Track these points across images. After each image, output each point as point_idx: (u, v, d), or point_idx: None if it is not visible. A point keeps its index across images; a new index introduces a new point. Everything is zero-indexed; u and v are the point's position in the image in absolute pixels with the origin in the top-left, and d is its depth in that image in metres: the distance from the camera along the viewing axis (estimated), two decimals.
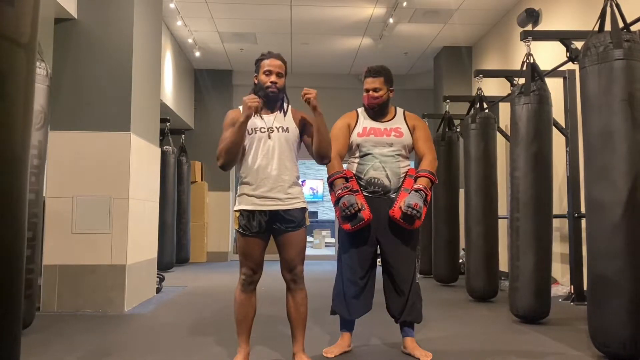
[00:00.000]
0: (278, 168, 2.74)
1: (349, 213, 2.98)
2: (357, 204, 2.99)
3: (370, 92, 3.16)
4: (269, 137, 2.77)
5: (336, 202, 3.05)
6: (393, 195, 3.11)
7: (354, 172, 3.17)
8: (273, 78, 2.77)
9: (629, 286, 2.88)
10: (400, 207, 3.00)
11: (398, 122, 3.21)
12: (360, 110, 3.30)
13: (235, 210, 2.80)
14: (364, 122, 3.22)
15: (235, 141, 2.69)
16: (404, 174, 3.15)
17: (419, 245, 3.21)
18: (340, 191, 3.04)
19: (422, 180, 3.08)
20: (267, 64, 2.78)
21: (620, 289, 2.89)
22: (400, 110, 3.29)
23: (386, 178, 3.10)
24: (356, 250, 3.12)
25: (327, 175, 3.18)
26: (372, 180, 3.11)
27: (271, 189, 2.74)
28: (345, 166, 3.21)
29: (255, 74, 2.84)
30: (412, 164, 3.27)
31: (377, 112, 3.21)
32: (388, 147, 3.14)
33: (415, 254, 3.17)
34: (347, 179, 3.10)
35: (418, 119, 3.29)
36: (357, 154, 3.19)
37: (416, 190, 3.02)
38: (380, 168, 3.11)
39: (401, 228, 3.07)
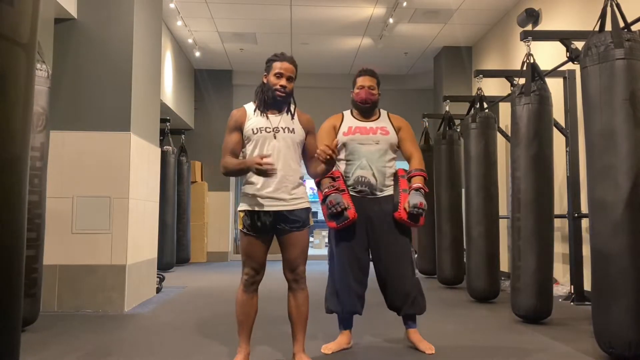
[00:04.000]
0: (283, 168, 2.74)
1: (334, 211, 3.04)
2: (342, 202, 3.04)
3: (366, 89, 3.23)
4: (275, 137, 2.76)
5: (323, 201, 3.11)
6: (379, 194, 3.17)
7: (342, 172, 3.22)
8: (283, 82, 2.77)
9: (633, 286, 2.87)
10: (405, 208, 3.08)
11: (383, 122, 3.29)
12: (347, 112, 3.35)
13: (240, 211, 2.80)
14: (350, 122, 3.28)
15: (237, 173, 2.81)
16: (390, 174, 3.22)
17: (412, 240, 3.27)
18: (327, 190, 3.10)
19: (418, 179, 3.17)
20: (279, 66, 2.78)
21: (624, 289, 2.88)
22: (384, 112, 3.36)
23: (372, 177, 3.16)
24: (348, 249, 3.16)
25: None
26: (359, 179, 3.17)
27: (276, 189, 2.74)
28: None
29: (265, 74, 2.83)
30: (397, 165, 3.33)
31: (367, 110, 3.27)
32: (375, 144, 3.20)
33: (409, 249, 3.21)
34: (334, 179, 3.15)
35: (402, 120, 3.36)
36: (344, 154, 3.23)
37: (416, 190, 3.11)
38: (367, 167, 3.17)
39: (392, 226, 3.14)
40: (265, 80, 2.82)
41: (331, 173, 3.12)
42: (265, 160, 2.60)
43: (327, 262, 3.31)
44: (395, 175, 3.23)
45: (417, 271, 3.29)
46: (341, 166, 3.24)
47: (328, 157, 2.63)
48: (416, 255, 3.09)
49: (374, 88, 3.25)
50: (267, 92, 2.80)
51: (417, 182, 3.14)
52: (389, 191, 3.20)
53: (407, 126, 3.34)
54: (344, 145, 3.22)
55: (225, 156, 2.80)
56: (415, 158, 3.26)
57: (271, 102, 2.80)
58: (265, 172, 2.60)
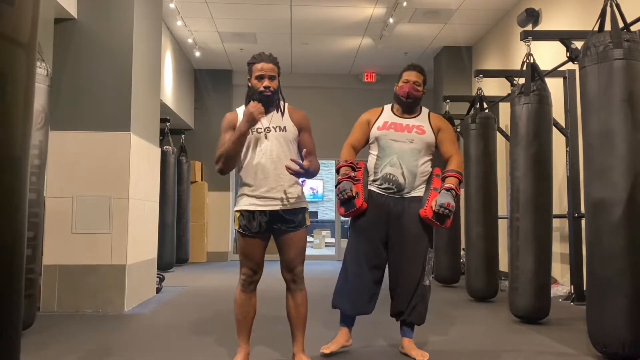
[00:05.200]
0: (277, 168, 2.74)
1: (341, 198, 3.04)
2: (350, 190, 3.01)
3: (411, 83, 3.15)
4: (266, 137, 2.76)
5: (336, 187, 3.11)
6: (407, 195, 3.09)
7: (372, 167, 3.16)
8: (266, 83, 2.76)
9: (628, 286, 2.88)
10: (432, 207, 3.00)
11: (421, 121, 3.19)
12: (387, 106, 3.29)
13: (236, 211, 2.81)
14: (387, 116, 3.21)
15: (236, 150, 2.73)
16: (423, 174, 3.12)
17: (432, 247, 3.18)
18: (340, 177, 3.09)
19: (452, 180, 3.08)
20: (258, 68, 2.77)
21: (619, 289, 2.89)
22: (425, 110, 3.27)
23: (401, 176, 3.07)
24: (364, 246, 3.12)
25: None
26: (387, 177, 3.09)
27: (270, 189, 2.74)
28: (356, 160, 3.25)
29: (249, 77, 2.83)
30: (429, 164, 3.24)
31: (408, 106, 3.18)
32: (408, 143, 3.11)
33: (424, 255, 3.10)
34: (354, 168, 3.12)
35: (443, 120, 3.26)
36: (376, 148, 3.17)
37: (447, 190, 3.02)
38: (397, 164, 3.08)
39: (410, 229, 3.07)
40: (249, 84, 2.82)
41: (350, 162, 3.13)
42: (257, 110, 2.65)
43: (344, 256, 3.26)
44: (430, 174, 3.15)
45: (431, 277, 3.20)
46: (371, 160, 3.18)
47: (291, 172, 2.66)
48: (432, 265, 3.02)
49: (419, 84, 3.16)
50: (253, 96, 2.79)
51: (450, 183, 3.05)
52: (417, 192, 3.10)
53: (448, 127, 3.24)
54: (376, 139, 3.16)
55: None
56: (454, 160, 3.15)
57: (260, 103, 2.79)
58: (255, 117, 2.66)
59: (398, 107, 3.23)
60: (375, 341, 3.46)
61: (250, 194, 2.76)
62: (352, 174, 3.09)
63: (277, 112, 2.83)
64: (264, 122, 2.79)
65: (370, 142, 3.22)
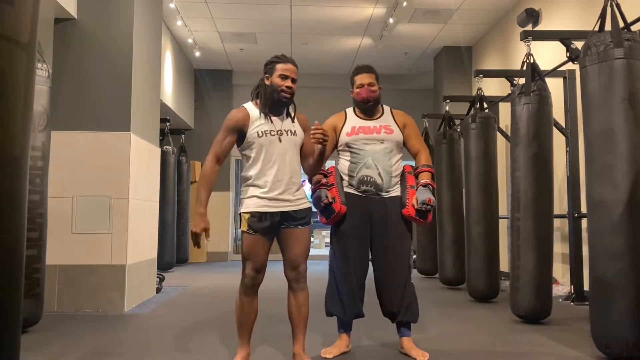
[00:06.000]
0: (290, 171, 2.75)
1: (320, 206, 3.03)
2: (326, 197, 3.00)
3: (366, 87, 3.15)
4: (280, 140, 2.77)
5: (311, 197, 3.08)
6: (385, 195, 3.10)
7: (346, 171, 3.16)
8: (289, 83, 2.76)
9: (631, 286, 2.87)
10: (414, 205, 3.03)
11: (387, 120, 3.21)
12: (349, 110, 3.28)
13: (245, 213, 2.76)
14: (353, 121, 3.21)
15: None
16: (396, 173, 3.15)
17: (412, 245, 3.21)
18: (313, 186, 3.09)
19: (426, 175, 3.12)
20: (283, 67, 2.77)
21: (622, 290, 2.88)
22: (387, 108, 3.28)
23: (378, 176, 3.09)
24: (351, 251, 3.11)
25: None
26: (364, 179, 3.10)
27: (283, 191, 2.75)
28: (331, 163, 3.25)
29: (267, 75, 2.80)
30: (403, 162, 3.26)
31: (370, 108, 3.19)
32: (380, 144, 3.13)
33: (408, 254, 3.14)
34: (325, 175, 3.12)
35: (406, 116, 3.29)
36: (348, 154, 3.17)
37: (424, 186, 3.06)
38: (372, 166, 3.10)
39: (394, 229, 3.09)
40: (267, 82, 2.79)
41: (324, 169, 3.11)
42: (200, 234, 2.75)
43: (329, 262, 3.26)
44: (403, 172, 3.17)
45: (413, 273, 3.22)
46: (344, 164, 3.18)
47: (323, 138, 2.69)
48: (415, 257, 3.06)
49: (373, 85, 3.16)
50: (271, 94, 2.77)
51: (425, 178, 3.09)
52: (395, 192, 3.12)
53: (412, 122, 3.27)
54: (347, 145, 3.16)
55: (211, 158, 2.82)
56: (423, 154, 3.20)
57: (276, 104, 2.79)
58: (195, 240, 2.75)
59: (360, 111, 3.24)
60: (374, 341, 3.46)
61: (262, 195, 2.74)
62: (325, 180, 3.09)
63: (287, 116, 2.83)
64: (277, 124, 2.79)
65: (339, 148, 3.22)
